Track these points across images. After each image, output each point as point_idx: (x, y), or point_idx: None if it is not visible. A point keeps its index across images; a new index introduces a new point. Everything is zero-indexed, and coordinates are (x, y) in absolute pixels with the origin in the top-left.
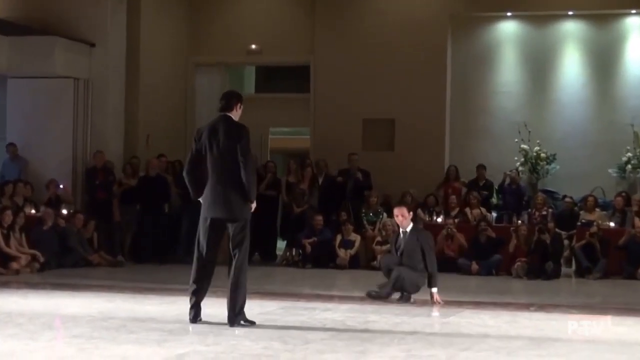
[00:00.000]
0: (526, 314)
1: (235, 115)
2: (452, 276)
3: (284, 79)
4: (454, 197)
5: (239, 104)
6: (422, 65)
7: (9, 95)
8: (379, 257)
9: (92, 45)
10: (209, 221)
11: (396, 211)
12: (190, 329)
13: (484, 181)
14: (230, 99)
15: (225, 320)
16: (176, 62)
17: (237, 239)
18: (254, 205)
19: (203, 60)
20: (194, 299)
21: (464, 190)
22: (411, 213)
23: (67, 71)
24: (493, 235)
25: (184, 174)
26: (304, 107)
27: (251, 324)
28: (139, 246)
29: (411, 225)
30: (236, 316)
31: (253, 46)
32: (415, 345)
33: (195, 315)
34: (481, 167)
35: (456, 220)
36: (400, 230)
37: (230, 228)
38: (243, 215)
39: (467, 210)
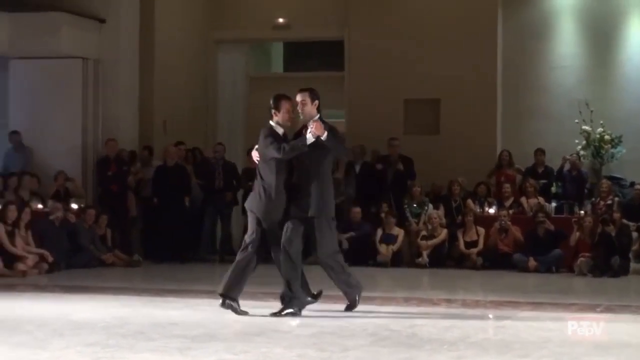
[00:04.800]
0: (591, 315)
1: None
2: (507, 273)
3: (315, 56)
4: (507, 185)
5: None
6: (469, 38)
7: (11, 78)
8: (424, 253)
9: (102, 21)
10: None
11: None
12: (217, 335)
13: (542, 167)
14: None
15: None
16: (195, 39)
17: None
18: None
19: (225, 37)
20: None
21: (519, 177)
22: (316, 102)
23: (75, 50)
24: (552, 227)
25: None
26: (338, 88)
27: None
28: (157, 244)
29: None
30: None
31: (280, 20)
32: (468, 352)
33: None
34: (539, 152)
35: (511, 212)
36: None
37: None
38: None
39: (523, 199)
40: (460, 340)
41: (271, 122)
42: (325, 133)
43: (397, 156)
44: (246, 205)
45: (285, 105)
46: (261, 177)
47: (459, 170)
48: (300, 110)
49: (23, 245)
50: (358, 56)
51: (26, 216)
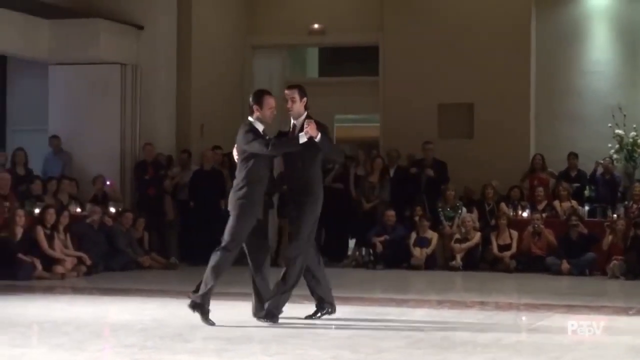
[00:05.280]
0: (624, 318)
1: (259, 116)
2: (541, 276)
3: (350, 61)
4: (540, 189)
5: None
6: (503, 43)
7: (51, 84)
8: (457, 256)
9: (140, 27)
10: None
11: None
12: (254, 336)
13: (575, 171)
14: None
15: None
16: (232, 45)
17: None
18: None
19: (261, 42)
20: None
21: (552, 181)
22: (304, 99)
23: (113, 56)
24: (585, 231)
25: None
26: (373, 92)
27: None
28: (193, 247)
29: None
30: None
31: (316, 25)
32: (501, 355)
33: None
34: (572, 156)
35: (544, 215)
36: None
37: None
38: None
39: (556, 203)
40: (493, 343)
41: (250, 118)
42: (319, 135)
43: (431, 160)
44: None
45: (268, 102)
46: (241, 177)
47: (493, 173)
48: (289, 108)
49: (62, 248)
50: (393, 61)
51: (65, 219)
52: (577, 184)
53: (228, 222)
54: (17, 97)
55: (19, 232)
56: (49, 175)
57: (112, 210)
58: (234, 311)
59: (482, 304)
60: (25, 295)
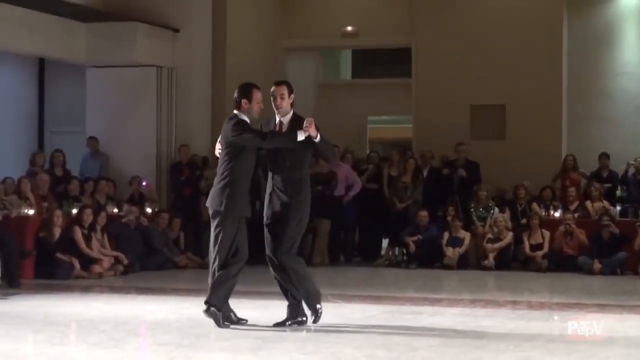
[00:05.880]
0: None
1: (247, 110)
2: (573, 276)
3: (382, 63)
4: (572, 189)
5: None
6: (534, 45)
7: (88, 86)
8: (490, 255)
9: (176, 30)
10: None
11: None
12: (288, 335)
13: (607, 172)
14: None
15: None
16: (266, 47)
17: None
18: None
19: (295, 45)
20: None
21: (584, 181)
22: (292, 96)
23: (150, 59)
24: (617, 231)
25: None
26: (405, 93)
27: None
28: None
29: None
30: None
31: (349, 28)
32: (534, 353)
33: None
34: (604, 156)
35: (576, 215)
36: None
37: None
38: None
39: (588, 203)
40: (527, 341)
41: (236, 112)
42: (319, 135)
43: (464, 161)
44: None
45: (257, 96)
46: (224, 172)
47: (525, 174)
48: (278, 105)
49: (99, 248)
50: (425, 63)
51: (102, 220)
52: (608, 185)
53: (220, 231)
54: (55, 99)
55: (57, 232)
56: (87, 176)
57: (149, 210)
58: (268, 311)
59: (515, 303)
60: (64, 294)
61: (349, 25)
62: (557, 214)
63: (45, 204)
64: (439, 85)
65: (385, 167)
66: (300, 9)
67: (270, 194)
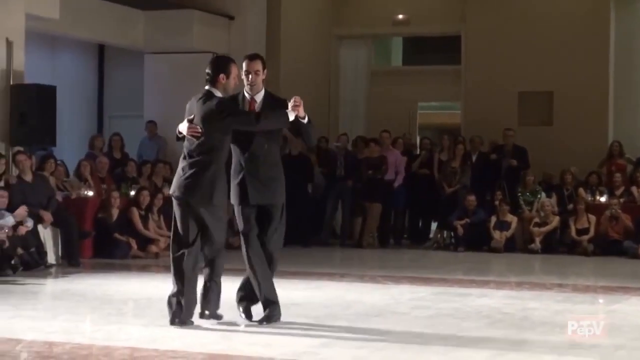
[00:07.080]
0: None
1: (223, 85)
2: (618, 260)
3: (433, 50)
4: (618, 175)
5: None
6: (582, 32)
7: (146, 72)
8: (536, 239)
9: (231, 18)
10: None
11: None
12: (339, 315)
13: None
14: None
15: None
16: (319, 35)
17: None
18: None
19: (347, 32)
20: None
21: (630, 167)
22: (265, 72)
23: (206, 46)
24: None
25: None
26: (455, 80)
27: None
28: None
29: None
30: None
31: (400, 16)
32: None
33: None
34: None
35: (621, 200)
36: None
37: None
38: None
39: (634, 189)
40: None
41: (208, 88)
42: (306, 115)
43: (512, 146)
44: (176, 193)
45: (234, 70)
46: (198, 155)
47: (571, 160)
48: (252, 81)
49: (155, 229)
50: (474, 50)
51: (159, 201)
52: None
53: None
54: (114, 84)
55: (115, 213)
56: (144, 159)
57: None
58: (319, 292)
59: (560, 286)
60: (122, 273)
61: (400, 13)
62: (602, 199)
63: (104, 186)
64: (487, 72)
65: (436, 152)
66: None
67: (244, 176)
